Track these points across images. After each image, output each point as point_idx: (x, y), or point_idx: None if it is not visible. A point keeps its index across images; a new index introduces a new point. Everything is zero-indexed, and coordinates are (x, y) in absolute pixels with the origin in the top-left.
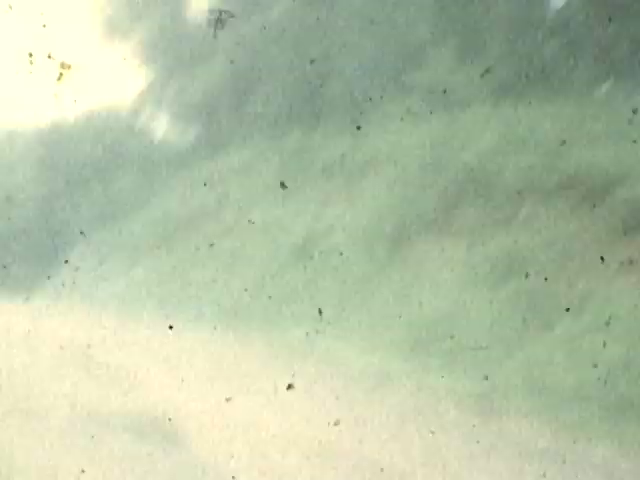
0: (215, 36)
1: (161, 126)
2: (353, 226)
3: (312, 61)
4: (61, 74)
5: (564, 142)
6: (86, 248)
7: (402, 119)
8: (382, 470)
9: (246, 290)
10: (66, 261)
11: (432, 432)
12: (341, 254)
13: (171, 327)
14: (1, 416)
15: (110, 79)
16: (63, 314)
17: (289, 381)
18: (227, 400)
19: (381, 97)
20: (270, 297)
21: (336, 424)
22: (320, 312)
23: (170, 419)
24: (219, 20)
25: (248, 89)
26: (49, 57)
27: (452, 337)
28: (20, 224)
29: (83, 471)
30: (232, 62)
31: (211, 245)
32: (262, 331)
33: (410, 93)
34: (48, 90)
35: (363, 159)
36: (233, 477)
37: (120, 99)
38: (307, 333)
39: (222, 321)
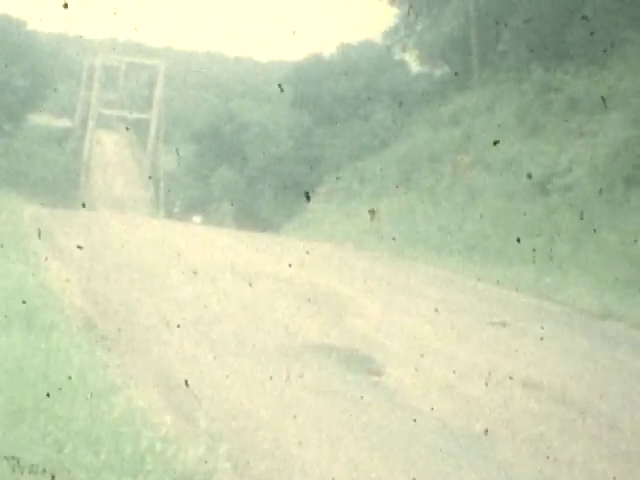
0: None
1: (411, 63)
2: (591, 164)
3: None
4: None
5: None
6: (337, 182)
7: None
8: None
9: (484, 222)
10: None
11: None
12: (576, 191)
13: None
14: None
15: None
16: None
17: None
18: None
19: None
20: (507, 230)
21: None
22: (551, 250)
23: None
24: None
25: (493, 29)
26: None
27: None
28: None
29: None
30: (476, 1)
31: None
32: (494, 266)
33: None
34: None
35: (600, 99)
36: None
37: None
38: (538, 269)
39: (462, 253)
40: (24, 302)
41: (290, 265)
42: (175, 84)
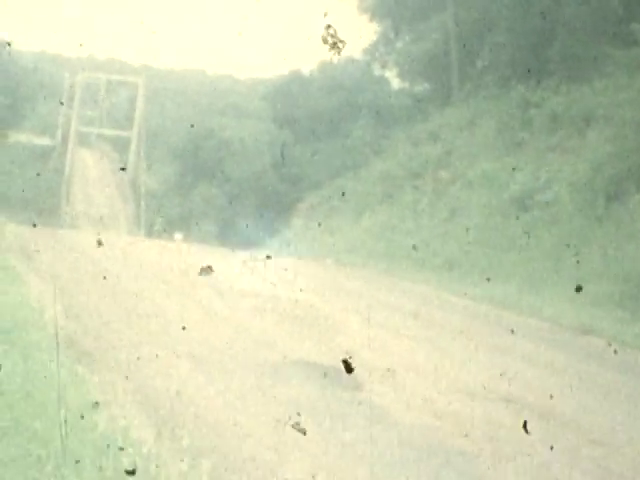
0: None
1: (392, 79)
2: (572, 180)
3: (542, 14)
4: None
5: None
6: (318, 198)
7: (622, 74)
8: None
9: (467, 239)
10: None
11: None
12: (557, 208)
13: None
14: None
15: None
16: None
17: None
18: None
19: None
20: (488, 246)
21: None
22: (531, 266)
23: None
24: None
25: (474, 45)
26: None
27: None
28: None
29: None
30: (457, 17)
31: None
32: (475, 282)
33: (631, 48)
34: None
35: (581, 115)
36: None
37: (353, 51)
38: (518, 285)
39: (443, 269)
40: (3, 318)
41: (271, 281)
42: (155, 101)
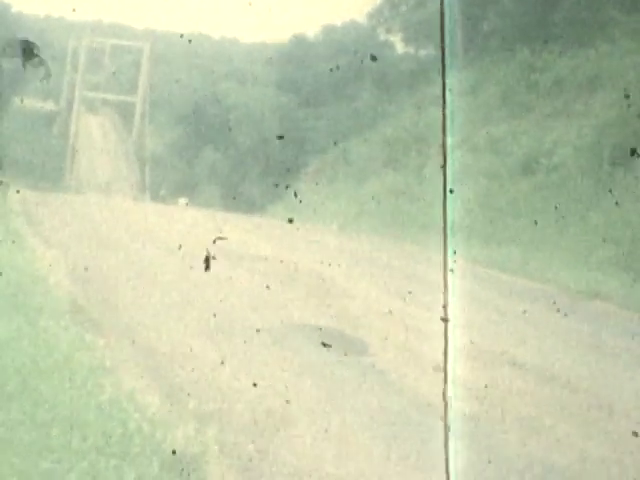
0: None
1: (396, 44)
2: (577, 144)
3: None
4: None
5: None
6: (322, 163)
7: (628, 39)
8: None
9: (469, 201)
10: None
11: None
12: (562, 172)
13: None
14: None
15: None
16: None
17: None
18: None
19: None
20: (493, 210)
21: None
22: (536, 223)
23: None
24: None
25: (479, 9)
26: None
27: None
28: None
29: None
30: None
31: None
32: (481, 246)
33: (637, 13)
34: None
35: (586, 79)
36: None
37: (357, 16)
38: (523, 249)
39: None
40: (9, 284)
41: (274, 246)
42: (160, 66)
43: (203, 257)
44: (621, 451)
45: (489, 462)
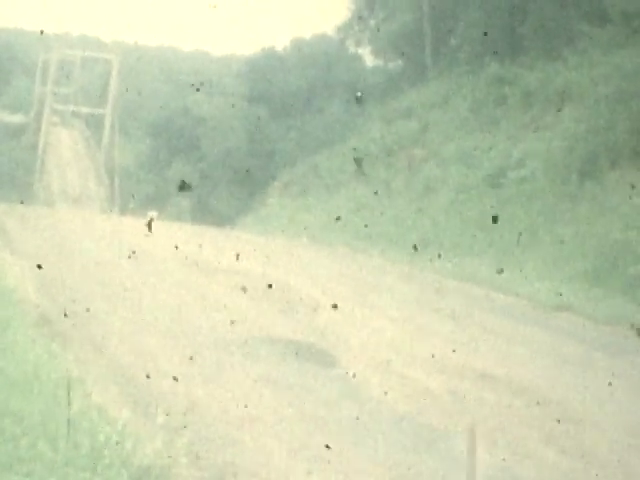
0: None
1: (366, 57)
2: (546, 158)
3: None
4: None
5: None
6: (292, 176)
7: (596, 51)
8: None
9: (444, 213)
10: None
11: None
12: (531, 185)
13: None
14: None
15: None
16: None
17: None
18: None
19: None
20: (463, 221)
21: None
22: (505, 243)
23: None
24: None
25: (447, 23)
26: None
27: (636, 266)
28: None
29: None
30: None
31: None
32: (449, 256)
33: (605, 25)
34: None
35: (555, 92)
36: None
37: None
38: (492, 262)
39: (418, 247)
40: None
41: (245, 259)
42: (129, 78)
43: (176, 269)
44: (590, 462)
45: (457, 471)
